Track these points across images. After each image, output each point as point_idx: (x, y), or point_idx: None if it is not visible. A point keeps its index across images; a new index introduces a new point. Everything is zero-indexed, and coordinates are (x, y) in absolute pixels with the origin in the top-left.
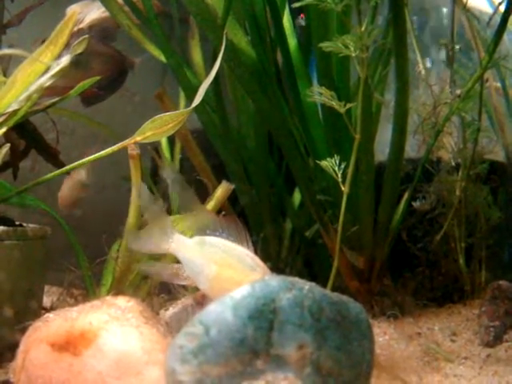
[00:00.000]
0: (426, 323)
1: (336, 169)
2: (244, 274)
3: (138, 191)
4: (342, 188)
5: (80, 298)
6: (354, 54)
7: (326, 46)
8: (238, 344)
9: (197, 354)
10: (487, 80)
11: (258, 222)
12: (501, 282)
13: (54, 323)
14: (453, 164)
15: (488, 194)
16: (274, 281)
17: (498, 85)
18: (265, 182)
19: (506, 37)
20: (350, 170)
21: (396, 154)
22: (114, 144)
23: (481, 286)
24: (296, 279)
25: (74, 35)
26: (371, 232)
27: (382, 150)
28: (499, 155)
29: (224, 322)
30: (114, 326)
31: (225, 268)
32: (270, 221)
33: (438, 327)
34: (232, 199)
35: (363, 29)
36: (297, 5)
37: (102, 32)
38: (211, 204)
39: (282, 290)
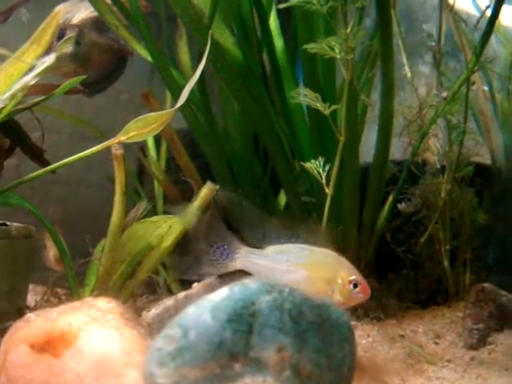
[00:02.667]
0: (409, 325)
1: (320, 170)
2: (333, 272)
3: (123, 191)
4: (326, 190)
5: (64, 297)
6: (339, 56)
7: (311, 47)
8: (217, 347)
9: (175, 357)
10: (474, 83)
11: None
12: (485, 285)
13: (35, 324)
14: (438, 166)
15: (473, 197)
16: (254, 283)
17: (485, 88)
18: (250, 182)
19: (493, 39)
20: (334, 172)
21: (381, 156)
22: (102, 142)
23: (465, 288)
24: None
25: (69, 29)
26: (356, 233)
27: (368, 151)
28: (485, 158)
29: (202, 324)
30: (93, 327)
31: (313, 270)
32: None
33: (421, 329)
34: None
35: (348, 31)
36: (282, 6)
37: (95, 23)
38: (196, 204)
39: (261, 292)
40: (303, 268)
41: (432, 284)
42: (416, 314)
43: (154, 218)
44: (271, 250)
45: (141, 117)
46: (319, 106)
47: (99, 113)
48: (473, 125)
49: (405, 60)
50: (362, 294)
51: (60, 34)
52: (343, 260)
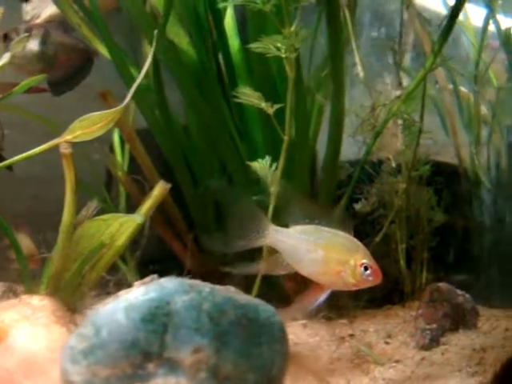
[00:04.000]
0: (361, 324)
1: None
2: (348, 255)
3: (74, 190)
4: (271, 189)
5: (23, 294)
6: (283, 55)
7: (255, 46)
8: (129, 346)
9: (86, 355)
10: (437, 82)
11: (204, 221)
12: (440, 284)
13: None
14: (393, 165)
15: (431, 196)
16: (170, 283)
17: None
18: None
19: (464, 39)
20: (278, 171)
21: (332, 156)
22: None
23: (422, 287)
24: (196, 282)
25: (35, 29)
26: None
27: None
28: (446, 156)
29: (115, 323)
30: (23, 324)
31: (330, 250)
32: (215, 218)
33: (372, 329)
34: (178, 198)
35: (292, 29)
36: (222, 5)
37: (61, 23)
38: (149, 203)
39: (177, 292)
40: (321, 248)
41: (388, 283)
42: (369, 314)
43: (105, 217)
44: (295, 229)
45: (85, 116)
46: (263, 105)
47: (75, 111)
48: (439, 124)
49: (357, 59)
50: (372, 278)
51: (26, 33)
52: (359, 244)
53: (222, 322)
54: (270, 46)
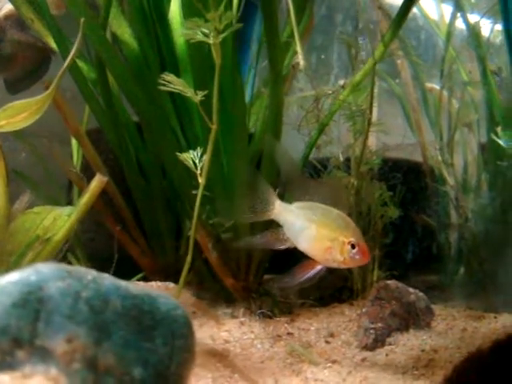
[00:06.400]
0: (302, 323)
1: (197, 161)
2: (338, 232)
3: (5, 182)
4: (199, 180)
5: None
6: (211, 41)
7: (185, 33)
8: None
9: None
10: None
11: (152, 216)
12: (389, 282)
13: None
14: (341, 160)
15: (383, 192)
16: (46, 268)
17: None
18: (157, 176)
19: (439, 41)
20: (206, 163)
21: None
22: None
23: (372, 285)
24: (80, 269)
25: None
26: (249, 229)
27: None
28: (403, 153)
29: None
30: None
31: (322, 227)
32: (164, 215)
33: (314, 327)
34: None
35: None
36: None
37: (18, 21)
38: (86, 197)
39: (53, 278)
40: (315, 224)
41: (337, 281)
42: (313, 312)
43: (37, 210)
44: (295, 205)
45: (9, 105)
46: (189, 93)
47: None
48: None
49: (299, 49)
50: (359, 256)
51: None
52: (351, 223)
53: (106, 312)
54: (197, 32)
